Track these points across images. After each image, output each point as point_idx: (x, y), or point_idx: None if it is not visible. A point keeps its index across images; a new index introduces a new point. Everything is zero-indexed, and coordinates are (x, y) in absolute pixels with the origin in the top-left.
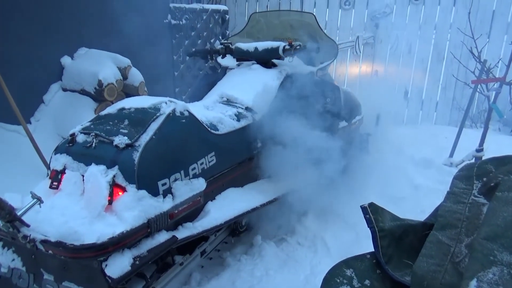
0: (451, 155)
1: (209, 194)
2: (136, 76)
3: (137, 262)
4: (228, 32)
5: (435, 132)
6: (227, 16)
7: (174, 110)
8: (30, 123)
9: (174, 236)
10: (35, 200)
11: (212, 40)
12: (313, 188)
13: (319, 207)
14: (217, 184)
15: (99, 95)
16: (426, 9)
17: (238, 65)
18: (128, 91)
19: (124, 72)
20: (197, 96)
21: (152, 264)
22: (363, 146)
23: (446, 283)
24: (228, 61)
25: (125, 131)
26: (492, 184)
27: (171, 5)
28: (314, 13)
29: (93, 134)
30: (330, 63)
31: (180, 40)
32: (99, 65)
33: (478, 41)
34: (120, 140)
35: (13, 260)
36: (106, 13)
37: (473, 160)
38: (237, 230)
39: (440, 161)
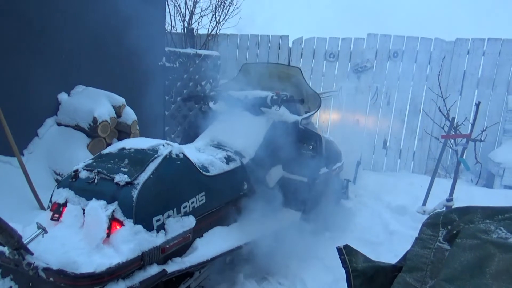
0: (424, 203)
1: (198, 231)
2: (129, 115)
3: None
4: (218, 76)
5: (411, 180)
6: (219, 62)
7: (170, 152)
8: (23, 155)
9: (164, 270)
10: (40, 230)
11: (203, 83)
12: (294, 231)
13: (299, 249)
14: (205, 222)
15: (93, 131)
16: (403, 65)
17: (228, 111)
18: (121, 129)
19: (118, 110)
20: (186, 136)
21: None
22: (343, 191)
23: None
24: (218, 106)
25: (125, 169)
26: (454, 232)
27: (167, 48)
28: (301, 65)
29: (96, 171)
30: (313, 113)
31: (172, 82)
32: (95, 103)
33: (451, 97)
34: (121, 178)
35: (11, 287)
36: (104, 53)
37: (443, 209)
38: (225, 266)
39: (414, 208)
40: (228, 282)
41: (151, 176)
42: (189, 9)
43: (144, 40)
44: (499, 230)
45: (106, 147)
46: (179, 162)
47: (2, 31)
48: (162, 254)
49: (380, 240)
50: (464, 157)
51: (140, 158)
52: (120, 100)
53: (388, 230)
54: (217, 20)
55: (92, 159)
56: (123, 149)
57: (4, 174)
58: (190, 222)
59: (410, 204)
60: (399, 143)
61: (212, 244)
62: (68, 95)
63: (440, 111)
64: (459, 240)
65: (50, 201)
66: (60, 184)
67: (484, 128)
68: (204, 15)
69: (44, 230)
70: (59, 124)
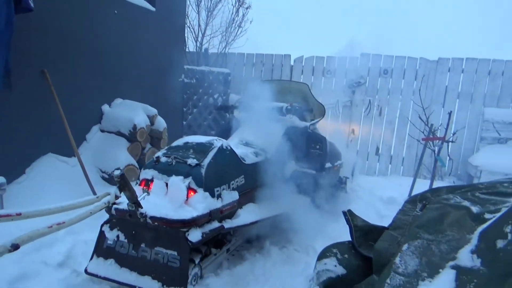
0: (410, 194)
1: (239, 204)
2: (161, 123)
3: (204, 235)
4: (229, 90)
5: (401, 181)
6: (229, 77)
7: (222, 145)
8: (75, 156)
9: (222, 225)
10: (145, 193)
11: (215, 96)
12: (306, 211)
13: (310, 225)
14: (244, 198)
15: (133, 136)
16: (393, 81)
17: (250, 118)
18: (154, 135)
19: (152, 119)
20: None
21: (199, 252)
22: (342, 186)
23: (391, 253)
24: (242, 115)
25: (193, 156)
26: (426, 203)
27: (185, 66)
28: (301, 80)
29: (173, 156)
30: (319, 120)
31: (190, 96)
32: (133, 112)
33: (435, 109)
34: (192, 161)
35: (118, 235)
36: (136, 71)
37: None
38: (251, 239)
39: (402, 199)
40: (257, 248)
41: (211, 160)
42: (201, 31)
43: (168, 60)
44: (456, 198)
45: (141, 150)
46: (228, 152)
47: (64, 54)
48: (221, 214)
49: (373, 222)
50: (440, 156)
51: (202, 148)
52: (153, 110)
53: (379, 214)
54: (226, 40)
55: (166, 149)
56: (187, 142)
57: (63, 170)
58: (235, 195)
59: (399, 197)
60: (390, 150)
61: (249, 214)
62: (109, 106)
63: (420, 118)
64: (428, 205)
65: (138, 178)
66: (145, 166)
67: (454, 132)
68: (214, 36)
69: (148, 193)
70: (102, 131)
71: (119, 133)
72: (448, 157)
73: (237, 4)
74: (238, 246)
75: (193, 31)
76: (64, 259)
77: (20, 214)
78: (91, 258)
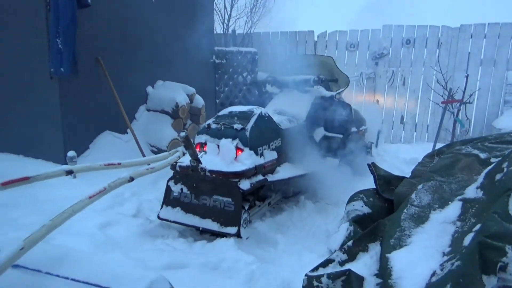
0: None
1: (277, 162)
2: (199, 101)
3: (252, 185)
4: (256, 68)
5: (425, 146)
6: (256, 56)
7: (261, 112)
8: (127, 133)
9: (265, 178)
10: (203, 152)
11: (244, 74)
12: (335, 171)
13: (339, 182)
14: (281, 157)
15: (175, 114)
16: (415, 51)
17: (281, 90)
18: (193, 112)
19: (191, 97)
20: None
21: (247, 201)
22: (368, 151)
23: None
24: (273, 88)
25: (238, 122)
26: (441, 156)
27: (216, 48)
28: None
29: (221, 123)
30: (344, 89)
31: (221, 75)
32: (174, 92)
33: (458, 76)
34: (237, 126)
35: (181, 188)
36: (173, 56)
37: None
38: (288, 195)
39: None
40: (294, 202)
41: (253, 125)
42: (227, 13)
43: (200, 42)
44: (467, 148)
45: (183, 126)
46: (266, 118)
47: (112, 43)
48: (264, 169)
49: None
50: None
51: (245, 115)
52: (192, 89)
53: (403, 172)
54: (252, 21)
55: (214, 118)
56: (231, 111)
57: (119, 145)
58: (274, 154)
59: (420, 158)
60: (415, 118)
61: (285, 171)
62: (152, 87)
63: (439, 83)
64: (442, 155)
65: (194, 143)
66: (199, 132)
67: (471, 94)
68: (239, 18)
69: (205, 152)
70: (148, 110)
71: (163, 111)
72: (466, 118)
73: None
74: (277, 201)
75: (219, 14)
76: (135, 212)
77: (120, 164)
78: (161, 207)
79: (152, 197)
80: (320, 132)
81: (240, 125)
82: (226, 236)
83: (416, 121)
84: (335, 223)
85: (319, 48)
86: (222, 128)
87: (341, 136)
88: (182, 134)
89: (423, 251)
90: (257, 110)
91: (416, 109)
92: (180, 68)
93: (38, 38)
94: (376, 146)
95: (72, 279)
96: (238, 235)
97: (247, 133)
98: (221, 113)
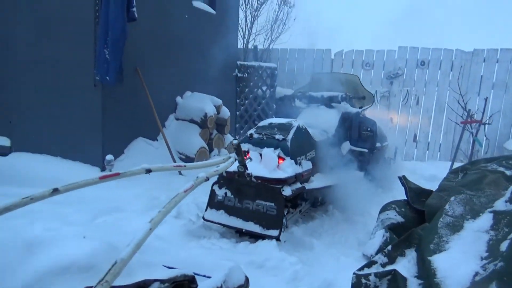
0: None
1: (312, 172)
2: (225, 112)
3: (293, 192)
4: (276, 83)
5: (438, 165)
6: (276, 72)
7: (299, 124)
8: (157, 140)
9: (303, 186)
10: (249, 159)
11: (264, 89)
12: (361, 183)
13: (365, 194)
14: (314, 168)
15: (203, 123)
16: (429, 72)
17: (308, 105)
18: (219, 122)
19: (218, 108)
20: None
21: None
22: (388, 166)
23: (440, 207)
24: (300, 103)
25: (278, 133)
26: (466, 172)
27: (238, 62)
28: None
29: (263, 133)
30: (369, 107)
31: (242, 88)
32: (203, 103)
33: (471, 98)
34: (279, 136)
35: (225, 192)
36: (199, 67)
37: None
38: (317, 204)
39: (442, 176)
40: (322, 211)
41: (293, 136)
42: (248, 29)
43: (225, 56)
44: (493, 165)
45: (209, 135)
46: (303, 130)
47: (149, 55)
48: (302, 178)
49: None
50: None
51: (284, 127)
52: (219, 101)
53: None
54: (271, 37)
55: (255, 128)
56: (271, 123)
57: (150, 151)
58: (310, 164)
59: (439, 173)
60: (427, 137)
61: (318, 181)
62: (181, 98)
63: (459, 103)
64: (469, 172)
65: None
66: (241, 141)
67: (490, 115)
68: (259, 34)
69: (251, 159)
70: (177, 119)
71: (192, 121)
72: (485, 137)
73: (281, 3)
74: (307, 209)
75: (240, 29)
76: (177, 214)
77: (185, 166)
78: (206, 210)
79: (188, 201)
80: (346, 146)
81: (281, 135)
82: (265, 239)
83: (429, 139)
84: (365, 232)
85: (335, 66)
86: (264, 138)
87: (366, 150)
88: (235, 141)
89: (462, 255)
90: (295, 123)
91: (429, 128)
92: (205, 80)
93: (85, 48)
94: (394, 160)
95: (168, 267)
96: (278, 238)
97: (288, 144)
98: (261, 124)
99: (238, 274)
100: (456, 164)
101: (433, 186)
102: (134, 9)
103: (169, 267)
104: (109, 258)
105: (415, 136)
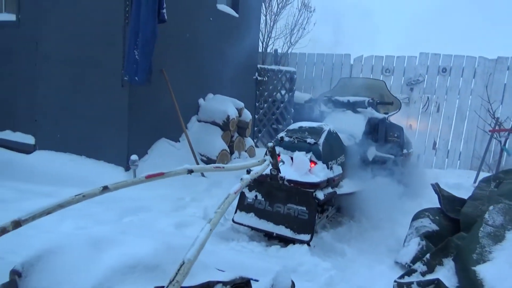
0: (475, 181)
1: (341, 177)
2: (247, 115)
3: (325, 196)
4: (294, 87)
5: (459, 173)
6: (295, 76)
7: (330, 128)
8: (179, 141)
9: (335, 191)
10: (282, 162)
11: (283, 92)
12: (388, 189)
13: (391, 201)
14: (344, 173)
15: (226, 126)
16: (451, 79)
17: (333, 110)
18: (240, 125)
19: (240, 111)
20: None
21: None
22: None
23: (475, 215)
24: (326, 107)
25: (309, 136)
26: (500, 182)
27: (258, 66)
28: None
29: (294, 137)
30: (396, 112)
31: (261, 92)
32: (225, 105)
33: (494, 105)
34: (310, 140)
35: (256, 195)
36: (221, 70)
37: None
38: (343, 209)
39: (467, 185)
40: (349, 217)
41: (325, 140)
42: (268, 33)
43: (246, 59)
44: None
45: (231, 138)
46: (334, 134)
47: (175, 56)
48: (333, 183)
49: None
50: (506, 146)
51: (315, 131)
52: (241, 104)
53: None
54: (290, 41)
55: (285, 131)
56: (301, 126)
57: (172, 152)
58: (340, 169)
59: (463, 182)
60: (447, 145)
61: (348, 186)
62: (204, 100)
63: (488, 111)
64: (504, 182)
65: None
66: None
67: None
68: (278, 38)
69: (283, 162)
70: (199, 121)
71: (214, 123)
72: None
73: (302, 8)
74: (333, 214)
75: (260, 33)
76: (203, 215)
77: (223, 167)
78: (235, 212)
79: (213, 203)
80: (372, 152)
81: (312, 139)
82: (296, 243)
83: (449, 147)
84: (393, 239)
85: (354, 71)
86: (295, 142)
87: (392, 157)
88: (270, 144)
89: (508, 266)
90: (326, 127)
91: (449, 135)
92: (227, 83)
93: (113, 49)
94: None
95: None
96: (309, 242)
97: (320, 147)
98: (291, 127)
99: (285, 278)
100: (480, 175)
101: (459, 194)
102: (164, 10)
103: (218, 270)
104: (169, 258)
105: (434, 143)
